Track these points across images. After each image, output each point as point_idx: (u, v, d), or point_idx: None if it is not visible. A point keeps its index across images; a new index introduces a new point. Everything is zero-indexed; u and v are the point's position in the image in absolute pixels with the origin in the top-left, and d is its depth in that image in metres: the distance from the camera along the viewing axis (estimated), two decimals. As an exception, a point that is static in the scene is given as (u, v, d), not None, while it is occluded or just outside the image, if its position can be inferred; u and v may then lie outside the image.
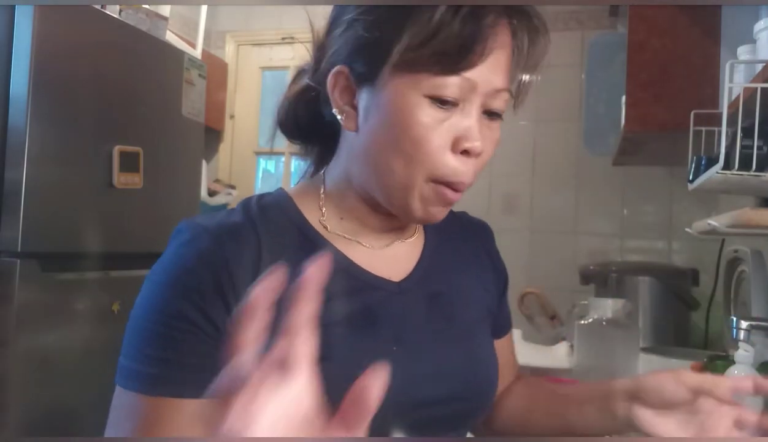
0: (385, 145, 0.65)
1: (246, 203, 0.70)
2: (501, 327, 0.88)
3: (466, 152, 0.64)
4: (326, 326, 0.63)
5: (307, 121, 0.75)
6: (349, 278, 0.69)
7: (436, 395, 0.69)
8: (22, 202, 1.61)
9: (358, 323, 0.67)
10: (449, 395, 0.70)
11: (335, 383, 0.61)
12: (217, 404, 0.38)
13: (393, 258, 0.74)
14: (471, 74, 0.63)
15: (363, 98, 0.66)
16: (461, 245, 0.82)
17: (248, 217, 0.67)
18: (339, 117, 0.68)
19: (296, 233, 0.69)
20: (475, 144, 0.64)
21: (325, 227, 0.71)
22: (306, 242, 0.69)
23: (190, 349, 0.60)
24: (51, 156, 1.69)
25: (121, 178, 1.88)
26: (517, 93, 0.71)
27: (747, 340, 1.05)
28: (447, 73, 0.62)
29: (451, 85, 0.62)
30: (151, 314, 0.61)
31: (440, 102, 0.63)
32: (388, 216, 0.71)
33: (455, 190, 0.66)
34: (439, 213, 0.69)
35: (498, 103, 0.66)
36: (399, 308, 0.70)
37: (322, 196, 0.73)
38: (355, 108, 0.67)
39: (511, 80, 0.69)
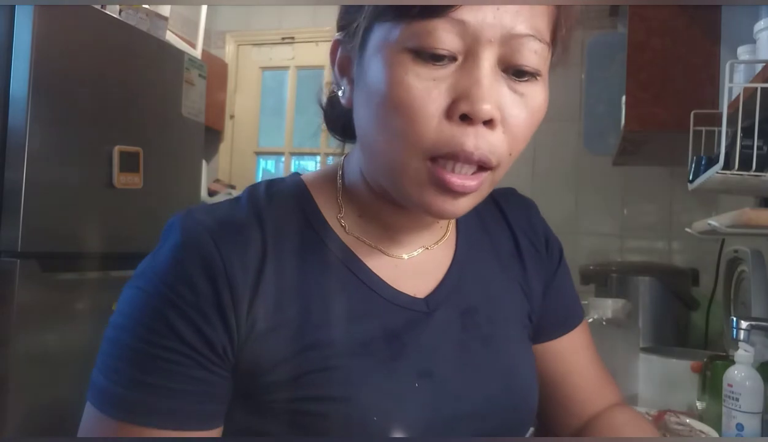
0: (370, 117, 0.53)
1: (253, 192, 0.59)
2: (558, 323, 0.71)
3: (466, 118, 0.49)
4: (339, 357, 0.54)
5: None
6: (369, 295, 0.58)
7: (469, 436, 0.57)
8: (22, 202, 1.61)
9: (378, 352, 0.56)
10: (484, 435, 0.58)
11: (347, 427, 0.52)
12: None
13: (419, 269, 0.62)
14: (465, 15, 0.48)
15: (354, 67, 0.55)
16: (499, 240, 0.69)
17: (254, 211, 0.57)
18: (339, 93, 0.58)
19: (310, 234, 0.58)
20: (478, 107, 0.48)
21: (344, 228, 0.60)
22: (320, 246, 0.58)
23: (181, 374, 0.50)
24: (51, 156, 1.69)
25: (121, 178, 1.88)
26: (554, 44, 0.54)
27: (747, 340, 1.04)
28: (429, 14, 0.48)
29: (436, 30, 0.48)
30: (137, 328, 0.51)
31: (430, 56, 0.49)
32: (408, 212, 0.59)
33: (464, 168, 0.51)
34: (450, 206, 0.52)
35: (526, 57, 0.50)
36: (426, 333, 0.59)
37: (339, 186, 0.62)
38: (351, 82, 0.56)
39: (552, 27, 0.53)
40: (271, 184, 0.61)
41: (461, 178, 0.51)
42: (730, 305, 1.55)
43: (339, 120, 0.66)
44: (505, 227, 0.71)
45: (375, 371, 0.55)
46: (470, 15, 0.48)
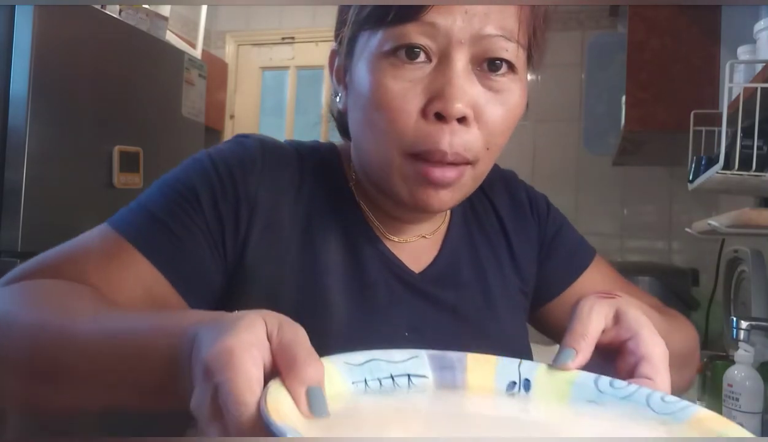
0: (358, 119, 0.58)
1: (293, 141, 0.67)
2: (567, 269, 0.72)
3: (441, 116, 0.52)
4: (338, 295, 0.59)
5: None
6: (372, 252, 0.63)
7: None
8: (22, 202, 1.61)
9: (374, 299, 0.61)
10: None
11: None
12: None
13: (415, 251, 0.66)
14: (436, 18, 0.51)
15: (348, 74, 0.60)
16: (486, 220, 0.72)
17: (298, 152, 0.64)
18: (336, 100, 0.63)
19: (332, 187, 0.64)
20: (450, 105, 0.51)
21: (356, 194, 0.65)
22: (338, 200, 0.64)
23: (179, 220, 0.56)
24: (51, 156, 1.69)
25: (121, 178, 1.88)
26: (529, 45, 0.57)
27: (747, 340, 1.05)
28: (402, 19, 0.51)
29: (409, 32, 0.51)
30: (173, 179, 0.59)
31: (405, 54, 0.52)
32: (404, 206, 0.61)
33: (439, 165, 0.54)
34: (434, 199, 0.55)
35: (497, 53, 0.53)
36: (419, 299, 0.63)
37: (353, 164, 0.66)
38: (346, 88, 0.61)
39: (522, 25, 0.55)
40: (305, 142, 0.68)
41: (441, 169, 0.54)
42: (730, 305, 1.56)
43: (341, 122, 0.69)
44: (489, 206, 0.73)
45: (370, 312, 0.59)
46: (441, 18, 0.51)
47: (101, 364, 0.42)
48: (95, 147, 1.83)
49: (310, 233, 0.61)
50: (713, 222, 1.16)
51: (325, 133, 0.80)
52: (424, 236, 0.67)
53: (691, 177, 1.34)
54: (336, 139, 0.72)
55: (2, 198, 1.62)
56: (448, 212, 0.70)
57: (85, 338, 0.43)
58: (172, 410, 0.39)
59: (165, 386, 0.39)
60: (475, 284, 0.67)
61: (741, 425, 0.38)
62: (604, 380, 0.43)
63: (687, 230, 1.48)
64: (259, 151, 0.61)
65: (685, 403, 0.40)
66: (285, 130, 3.31)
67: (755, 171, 1.04)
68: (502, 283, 0.70)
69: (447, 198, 0.56)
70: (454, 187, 0.56)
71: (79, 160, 1.78)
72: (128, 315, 0.47)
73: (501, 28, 0.53)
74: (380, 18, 0.52)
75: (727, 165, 1.06)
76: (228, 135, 3.34)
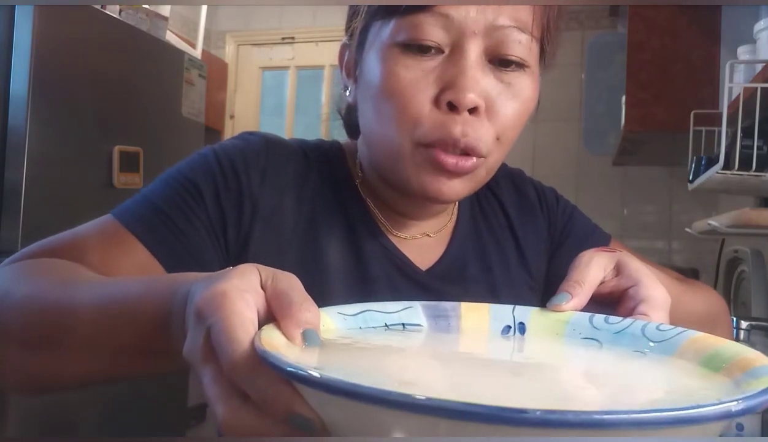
0: (368, 109, 0.58)
1: (298, 139, 0.67)
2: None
3: (453, 106, 0.52)
4: (340, 285, 0.60)
5: None
6: (375, 247, 0.63)
7: None
8: (22, 202, 1.61)
9: (378, 293, 0.61)
10: None
11: None
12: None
13: (422, 248, 0.66)
14: (449, 9, 0.51)
15: (358, 67, 0.60)
16: (494, 218, 0.72)
17: (302, 149, 0.65)
18: (346, 93, 0.63)
19: (337, 184, 0.65)
20: (462, 95, 0.51)
21: (361, 192, 0.65)
22: (343, 196, 0.64)
23: (182, 212, 0.57)
24: (51, 156, 1.69)
25: (121, 178, 1.88)
26: (542, 38, 0.57)
27: (747, 340, 1.05)
28: (415, 9, 0.52)
29: (422, 24, 0.52)
30: (176, 169, 0.60)
31: (417, 48, 0.52)
32: (412, 201, 0.62)
33: (453, 153, 0.54)
34: (445, 187, 0.55)
35: (511, 47, 0.53)
36: (421, 292, 0.63)
37: (358, 161, 0.66)
38: (356, 80, 0.61)
39: (536, 17, 0.55)
40: (313, 140, 0.69)
41: (455, 158, 0.53)
42: (730, 305, 1.56)
43: (348, 119, 0.70)
44: (496, 204, 0.73)
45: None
46: (454, 9, 0.51)
47: (97, 329, 0.43)
48: (95, 147, 1.83)
49: (313, 229, 0.62)
50: (713, 222, 1.16)
51: (325, 133, 0.80)
52: (428, 235, 0.66)
53: (691, 177, 1.34)
54: (337, 138, 0.72)
55: (2, 198, 1.62)
56: (455, 211, 0.70)
57: (80, 305, 0.44)
58: (167, 373, 0.39)
59: (160, 348, 0.39)
60: (482, 280, 0.67)
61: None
62: (599, 317, 0.43)
63: (687, 229, 1.48)
64: (263, 147, 0.62)
65: (680, 329, 0.40)
66: (285, 130, 3.31)
67: (755, 171, 1.04)
68: (509, 279, 0.69)
69: (459, 187, 0.56)
70: (467, 176, 0.56)
71: (79, 160, 1.78)
72: (121, 281, 0.47)
73: (515, 20, 0.53)
74: (393, 7, 0.53)
75: (727, 165, 1.06)
76: (228, 135, 3.34)
